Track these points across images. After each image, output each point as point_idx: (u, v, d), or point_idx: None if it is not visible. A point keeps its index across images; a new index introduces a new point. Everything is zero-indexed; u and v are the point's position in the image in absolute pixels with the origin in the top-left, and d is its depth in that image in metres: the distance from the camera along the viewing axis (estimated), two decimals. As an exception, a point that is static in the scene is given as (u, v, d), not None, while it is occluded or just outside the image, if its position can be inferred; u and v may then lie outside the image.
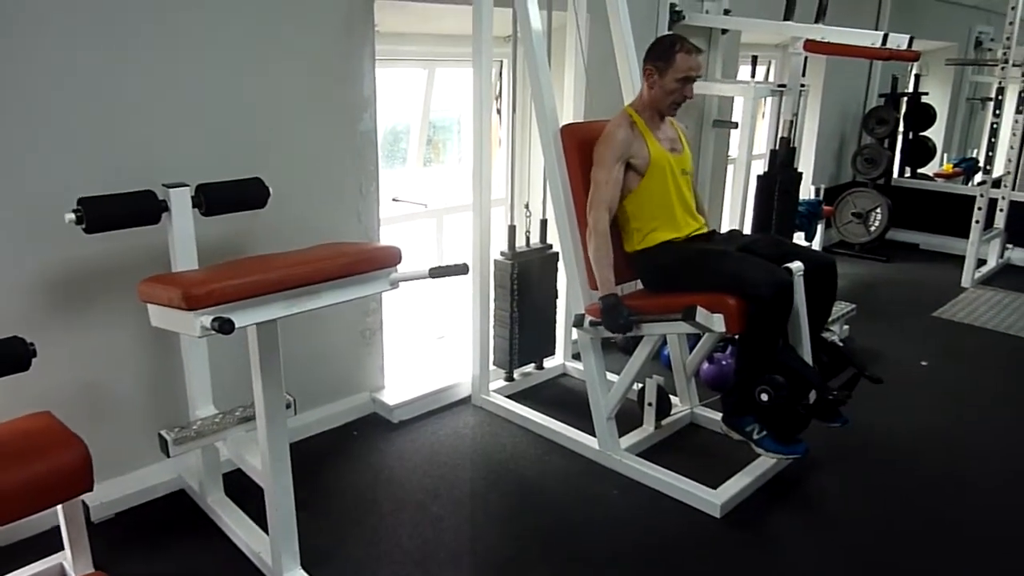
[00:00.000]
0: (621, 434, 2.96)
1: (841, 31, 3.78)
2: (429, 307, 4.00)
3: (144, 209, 2.23)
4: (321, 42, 2.79)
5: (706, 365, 3.54)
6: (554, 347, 3.67)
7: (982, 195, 5.29)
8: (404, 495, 2.70)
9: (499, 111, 3.74)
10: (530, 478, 2.85)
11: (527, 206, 3.49)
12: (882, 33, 3.56)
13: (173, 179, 2.30)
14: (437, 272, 2.15)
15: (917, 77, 6.87)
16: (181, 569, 2.32)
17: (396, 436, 3.12)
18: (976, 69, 7.98)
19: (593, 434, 2.95)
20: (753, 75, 5.06)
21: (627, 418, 3.04)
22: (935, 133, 6.96)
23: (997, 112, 5.33)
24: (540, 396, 3.49)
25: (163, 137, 2.47)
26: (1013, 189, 5.59)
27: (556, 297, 3.56)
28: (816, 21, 4.21)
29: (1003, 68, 5.22)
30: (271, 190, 2.52)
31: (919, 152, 6.85)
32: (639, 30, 3.22)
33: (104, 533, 2.43)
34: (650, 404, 3.06)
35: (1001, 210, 5.64)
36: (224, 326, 1.66)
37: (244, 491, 2.43)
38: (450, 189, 3.97)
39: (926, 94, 6.75)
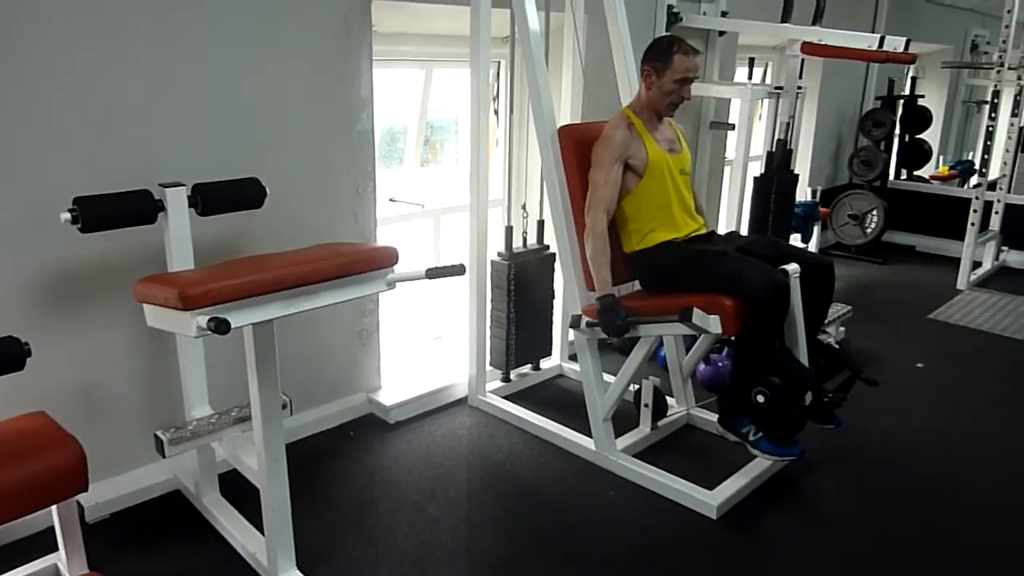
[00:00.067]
0: (617, 435, 2.96)
1: (838, 33, 3.79)
2: (426, 308, 3.99)
3: (140, 209, 2.23)
4: (319, 42, 2.79)
5: (702, 366, 3.54)
6: (551, 348, 3.67)
7: (978, 197, 5.30)
8: (400, 496, 2.70)
9: (497, 112, 3.74)
10: (526, 479, 2.85)
11: (524, 207, 3.49)
12: (879, 36, 3.58)
13: (172, 179, 2.30)
14: (434, 273, 2.15)
15: (913, 80, 6.88)
16: (176, 570, 2.31)
17: (392, 437, 3.11)
18: (972, 72, 8.00)
19: (589, 435, 2.95)
20: (750, 77, 5.07)
21: (623, 419, 3.04)
22: (931, 136, 6.98)
23: (993, 115, 5.35)
24: (536, 397, 3.49)
25: (162, 137, 2.47)
26: (1008, 192, 5.60)
27: (553, 298, 3.56)
28: (813, 23, 4.22)
29: (999, 71, 5.23)
30: (268, 190, 2.51)
31: (915, 154, 6.87)
32: (637, 31, 3.23)
33: (99, 534, 2.42)
34: (646, 405, 3.07)
35: (996, 212, 5.66)
36: (220, 326, 1.65)
37: (240, 491, 2.42)
38: (447, 190, 3.97)
39: (922, 97, 6.76)
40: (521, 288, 3.36)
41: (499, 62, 3.71)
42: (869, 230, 6.02)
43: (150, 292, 1.84)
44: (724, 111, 4.60)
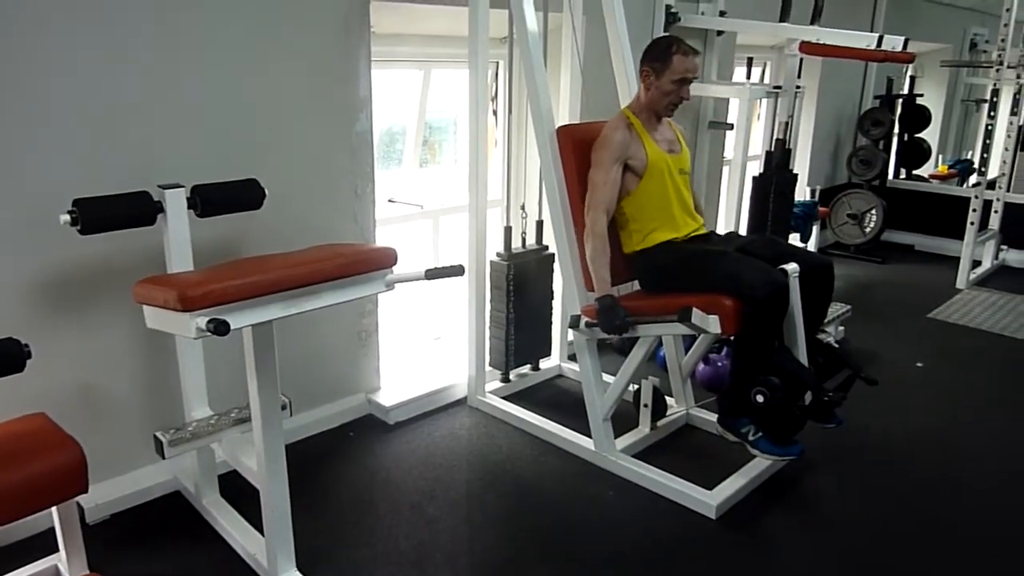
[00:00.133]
0: (617, 435, 2.96)
1: (836, 33, 3.79)
2: (425, 308, 3.99)
3: (139, 210, 2.23)
4: (318, 43, 2.79)
5: (702, 366, 3.54)
6: (550, 348, 3.67)
7: (977, 197, 5.30)
8: (400, 496, 2.70)
9: (495, 112, 3.74)
10: (526, 479, 2.85)
11: (523, 207, 3.49)
12: (877, 35, 3.58)
13: (172, 179, 2.30)
14: (433, 273, 2.15)
15: (912, 79, 6.89)
16: (176, 571, 2.31)
17: (392, 437, 3.11)
18: (971, 71, 8.01)
19: (589, 435, 2.95)
20: (749, 77, 5.07)
21: (623, 419, 3.04)
22: (930, 135, 6.98)
23: (992, 114, 5.35)
24: (536, 397, 3.49)
25: (163, 137, 2.47)
26: (1008, 191, 5.61)
27: (552, 298, 3.56)
28: (812, 23, 4.22)
29: (998, 70, 5.23)
30: (267, 191, 2.51)
31: (914, 154, 6.87)
32: (635, 31, 3.23)
33: (99, 535, 2.42)
34: (646, 405, 3.07)
35: (996, 212, 5.66)
36: (219, 328, 1.65)
37: (240, 492, 2.42)
38: (446, 190, 3.97)
39: (921, 96, 6.77)
40: (520, 288, 3.36)
41: (498, 63, 3.71)
42: (868, 229, 6.03)
43: (149, 293, 1.85)
44: (723, 111, 4.60)
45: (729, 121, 4.55)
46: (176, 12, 2.42)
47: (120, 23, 2.31)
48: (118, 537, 2.44)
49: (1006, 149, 5.42)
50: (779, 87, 4.39)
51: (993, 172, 5.55)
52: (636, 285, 2.93)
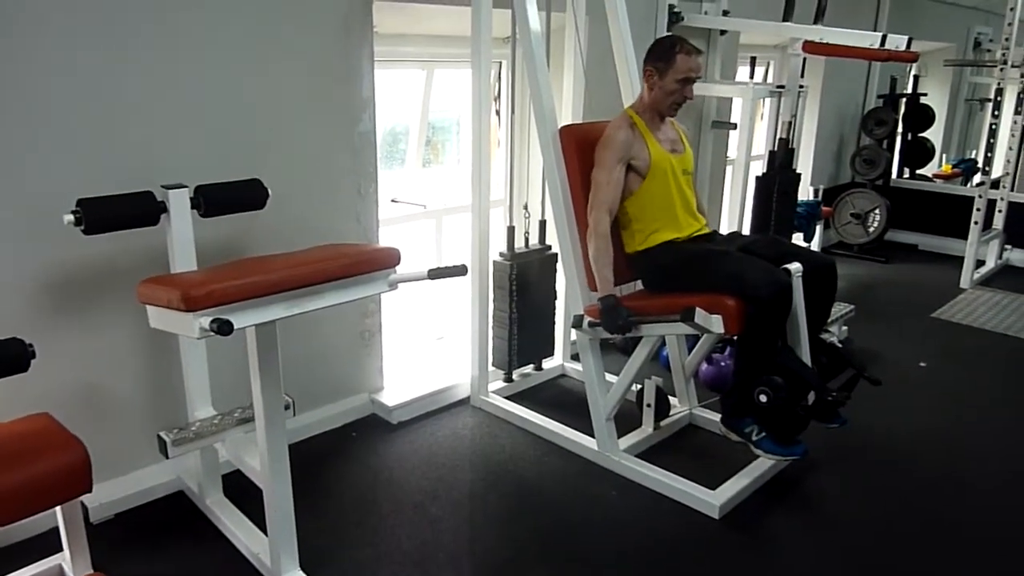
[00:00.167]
0: (620, 435, 2.96)
1: (840, 32, 3.79)
2: (428, 308, 4.00)
3: (143, 210, 2.23)
4: (320, 43, 2.79)
5: (705, 366, 3.54)
6: (553, 348, 3.67)
7: (981, 196, 5.29)
8: (403, 496, 2.70)
9: (498, 112, 3.75)
10: (529, 479, 2.85)
11: (526, 207, 3.49)
12: (881, 34, 3.57)
13: (173, 180, 2.30)
14: (436, 273, 2.15)
15: (916, 78, 6.88)
16: (180, 570, 2.32)
17: (395, 437, 3.12)
18: (975, 70, 7.99)
19: (592, 435, 2.95)
20: (752, 76, 5.07)
21: (626, 419, 3.04)
22: (934, 134, 6.97)
23: (996, 113, 5.34)
24: (539, 397, 3.49)
25: (163, 137, 2.47)
26: (1012, 190, 5.60)
27: (555, 298, 3.56)
28: (815, 22, 4.22)
29: (1002, 69, 5.22)
30: (270, 191, 2.52)
31: (918, 153, 6.86)
32: (638, 31, 3.23)
33: (103, 534, 2.42)
34: (649, 405, 3.07)
35: (1000, 211, 5.65)
36: (223, 327, 1.66)
37: (243, 492, 2.43)
38: (449, 190, 3.97)
39: (925, 95, 6.76)
40: (523, 288, 3.36)
41: (500, 62, 3.71)
42: (872, 229, 6.02)
43: (153, 293, 1.85)
44: (726, 110, 4.60)
45: (732, 121, 4.55)
46: (176, 12, 2.42)
47: (120, 23, 2.31)
48: (122, 537, 2.45)
49: (1010, 148, 5.41)
50: (782, 86, 4.39)
51: (997, 171, 5.53)
52: (639, 285, 2.93)
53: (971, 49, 7.75)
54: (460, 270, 2.19)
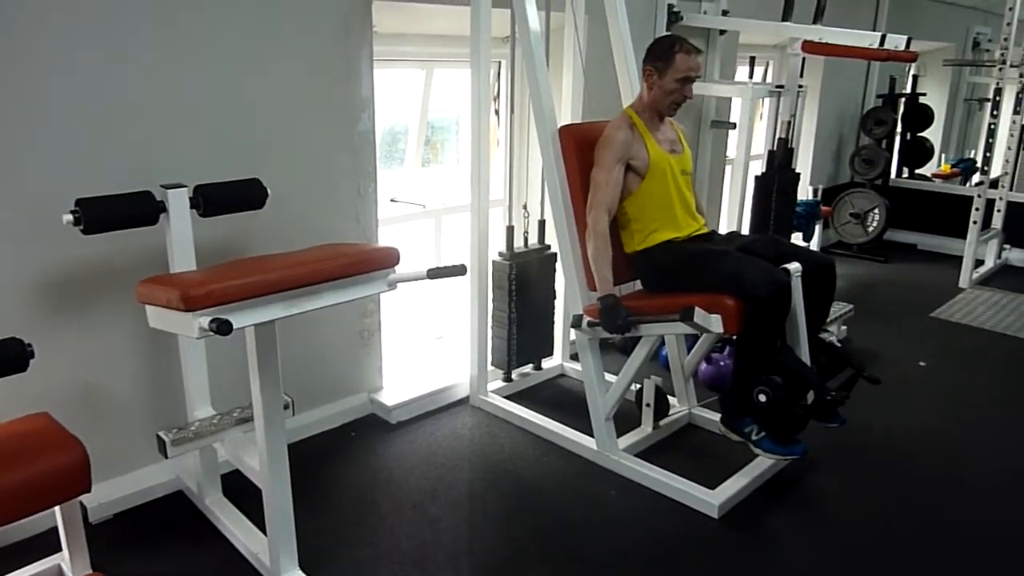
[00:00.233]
0: (619, 434, 2.96)
1: (839, 32, 3.79)
2: (427, 308, 4.00)
3: (142, 210, 2.23)
4: (319, 42, 2.79)
5: (704, 366, 3.54)
6: (552, 348, 3.67)
7: (980, 195, 5.29)
8: (402, 496, 2.70)
9: (497, 112, 3.75)
10: (528, 479, 2.85)
11: (525, 207, 3.49)
12: (880, 34, 3.57)
13: (173, 179, 2.30)
14: (435, 273, 2.15)
15: (915, 78, 6.88)
16: (179, 570, 2.31)
17: (394, 437, 3.12)
18: (974, 70, 7.99)
19: (591, 435, 2.95)
20: (751, 76, 5.07)
21: (625, 419, 3.04)
22: (933, 134, 6.97)
23: (995, 113, 5.34)
24: (538, 397, 3.49)
25: (163, 137, 2.47)
26: (1010, 190, 5.60)
27: (554, 297, 3.56)
28: (814, 22, 4.22)
29: (1000, 69, 5.22)
30: (269, 191, 2.51)
31: (917, 153, 6.86)
32: (637, 31, 3.23)
33: (102, 534, 2.42)
34: (648, 405, 3.07)
35: (999, 210, 5.65)
36: (222, 327, 1.66)
37: (242, 492, 2.43)
38: (448, 190, 3.97)
39: (924, 95, 6.76)
40: (522, 288, 3.36)
41: (500, 62, 3.71)
42: (871, 228, 6.02)
43: (152, 293, 1.85)
44: (725, 110, 4.60)
45: (731, 120, 4.55)
46: (176, 12, 2.42)
47: (120, 23, 2.31)
48: (121, 537, 2.44)
49: (1009, 148, 5.41)
50: (781, 86, 4.39)
51: (996, 171, 5.54)
52: (638, 285, 2.93)
53: (970, 49, 7.75)
54: (459, 270, 2.19)
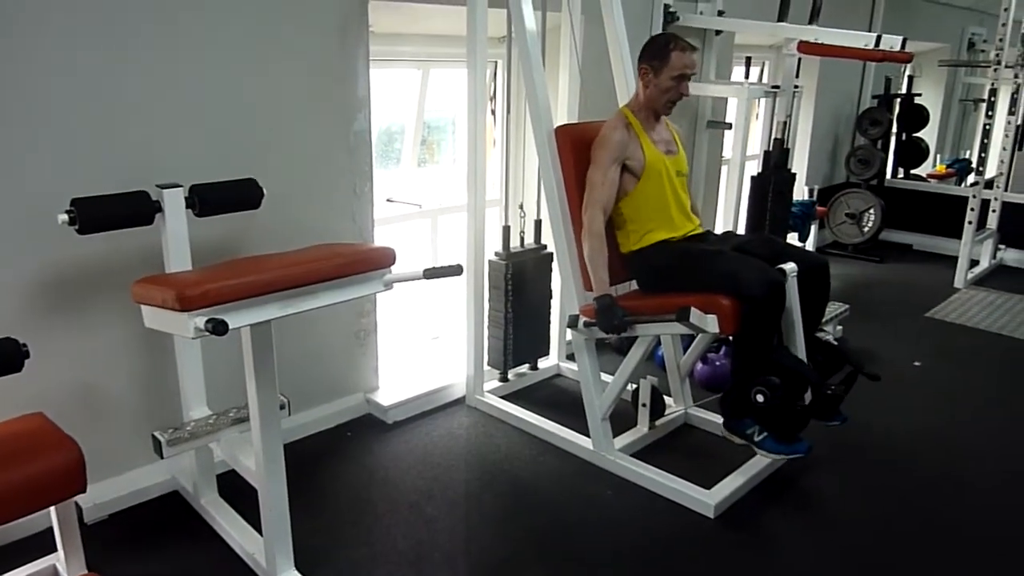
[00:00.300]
0: (615, 434, 2.96)
1: (835, 32, 3.79)
2: (423, 308, 3.99)
3: (137, 210, 2.23)
4: (317, 43, 2.79)
5: (700, 366, 3.54)
6: (548, 348, 3.67)
7: (975, 196, 5.31)
8: (398, 496, 2.70)
9: (494, 112, 3.74)
10: (524, 479, 2.85)
11: (521, 207, 3.49)
12: (875, 34, 3.58)
13: (171, 179, 2.30)
14: (431, 273, 2.15)
15: (910, 78, 6.89)
16: (175, 570, 2.31)
17: (390, 437, 3.11)
18: (969, 70, 8.01)
19: (587, 435, 2.95)
20: (747, 76, 5.08)
21: (621, 418, 3.04)
22: (928, 134, 6.99)
23: (990, 113, 5.35)
24: (534, 397, 3.49)
25: (162, 137, 2.47)
26: (1005, 190, 5.61)
27: (550, 297, 3.56)
28: (810, 22, 4.22)
29: (996, 69, 5.23)
30: (265, 191, 2.51)
31: (912, 153, 6.87)
32: (633, 31, 3.23)
33: (98, 534, 2.42)
34: (644, 405, 3.07)
35: (993, 211, 5.67)
36: (218, 327, 1.65)
37: (238, 492, 2.42)
38: (445, 190, 3.97)
39: (919, 95, 6.77)
40: (519, 288, 3.36)
41: (496, 62, 3.71)
42: (866, 229, 6.03)
43: (148, 293, 1.84)
44: (721, 110, 4.60)
45: (727, 120, 4.56)
46: (176, 12, 2.42)
47: (120, 23, 2.31)
48: (116, 537, 2.44)
49: (1004, 148, 5.43)
50: (777, 86, 4.39)
51: (991, 171, 5.55)
52: (634, 285, 2.93)
53: (965, 50, 7.77)
54: (456, 270, 2.19)
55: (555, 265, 3.19)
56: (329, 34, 2.81)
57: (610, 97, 3.22)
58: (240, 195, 2.48)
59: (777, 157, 4.47)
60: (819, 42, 3.82)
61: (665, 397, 3.20)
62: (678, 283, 2.66)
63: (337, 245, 2.33)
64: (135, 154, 2.41)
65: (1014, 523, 2.65)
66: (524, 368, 3.63)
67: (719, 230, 3.40)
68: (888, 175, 6.57)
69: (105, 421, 2.53)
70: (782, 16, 4.27)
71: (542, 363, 3.70)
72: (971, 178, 6.63)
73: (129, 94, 2.37)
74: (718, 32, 4.36)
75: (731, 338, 2.64)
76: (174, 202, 2.27)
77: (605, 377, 2.96)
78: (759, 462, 2.80)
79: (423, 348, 3.88)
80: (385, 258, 2.07)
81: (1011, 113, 5.36)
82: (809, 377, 2.55)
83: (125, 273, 2.24)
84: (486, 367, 3.43)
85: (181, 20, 2.43)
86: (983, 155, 5.34)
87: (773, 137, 4.48)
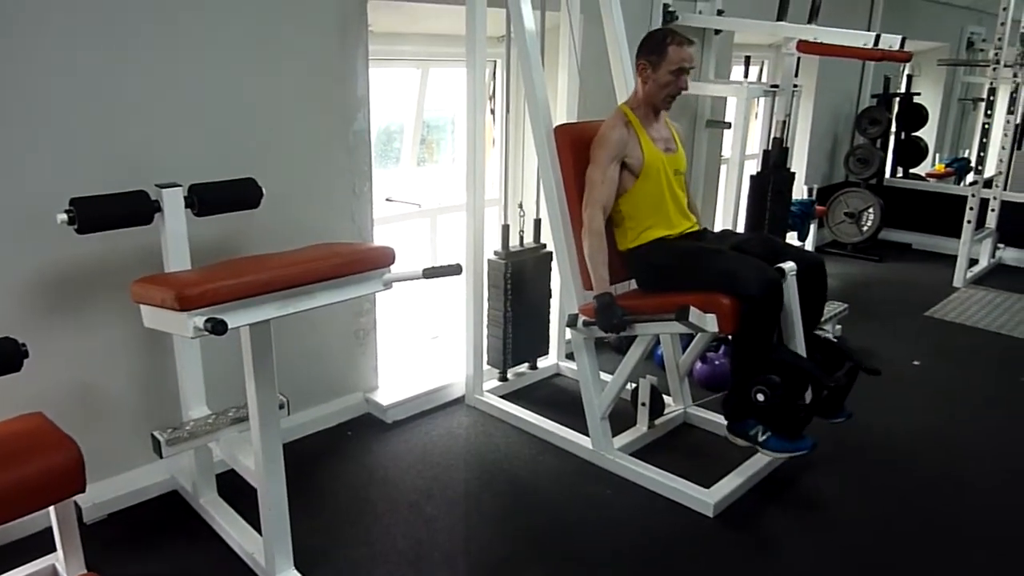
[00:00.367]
0: (614, 434, 2.96)
1: (834, 32, 3.80)
2: (423, 307, 3.99)
3: (137, 209, 2.23)
4: (317, 42, 2.79)
5: (699, 365, 3.54)
6: (548, 347, 3.67)
7: (974, 195, 5.31)
8: (398, 495, 2.70)
9: (493, 111, 3.74)
10: (524, 478, 2.85)
11: (521, 206, 3.49)
12: (874, 34, 3.59)
13: (171, 179, 2.30)
14: (431, 272, 2.15)
15: (909, 77, 6.89)
16: (174, 570, 2.31)
17: (390, 436, 3.11)
18: (968, 70, 8.02)
19: (587, 434, 2.95)
20: (746, 75, 5.08)
21: (620, 418, 3.04)
22: (927, 133, 6.99)
23: (988, 112, 5.36)
24: (534, 396, 3.49)
25: (162, 137, 2.47)
26: (1004, 189, 5.62)
27: (550, 297, 3.56)
28: (809, 22, 4.22)
29: (994, 69, 5.24)
30: (264, 190, 2.51)
31: (911, 152, 6.88)
32: (632, 30, 3.23)
33: (97, 534, 2.42)
34: (643, 404, 3.07)
35: (992, 210, 5.67)
36: (217, 327, 1.65)
37: (237, 491, 2.42)
38: (444, 189, 3.97)
39: (918, 94, 6.77)
40: (518, 287, 3.36)
41: (495, 61, 3.71)
42: (865, 228, 6.03)
43: (147, 293, 1.84)
44: (720, 110, 4.61)
45: (727, 120, 4.56)
46: (176, 12, 2.42)
47: (120, 23, 2.31)
48: (116, 536, 2.44)
49: (1003, 148, 5.44)
50: (776, 86, 4.40)
51: (990, 170, 5.56)
52: (633, 284, 2.93)
53: (964, 49, 7.78)
54: (455, 269, 2.19)
55: (554, 264, 3.19)
56: (329, 34, 2.81)
57: (609, 96, 3.22)
58: (239, 195, 2.48)
59: (776, 156, 4.48)
60: (818, 41, 3.83)
61: (664, 396, 3.20)
62: (677, 282, 2.66)
63: (336, 245, 2.33)
64: (134, 154, 2.41)
65: (1014, 523, 2.65)
66: (523, 367, 3.63)
67: (718, 229, 3.40)
68: (887, 174, 6.57)
69: (104, 421, 2.53)
70: (781, 15, 4.27)
71: (541, 362, 3.70)
72: (970, 177, 6.64)
73: (129, 94, 2.37)
74: (717, 31, 4.36)
75: (730, 337, 2.64)
76: (173, 202, 2.27)
77: (604, 376, 2.96)
78: (758, 461, 2.80)
79: (422, 347, 3.88)
80: (384, 257, 2.07)
81: (1010, 112, 5.37)
82: (811, 372, 2.55)
83: (124, 273, 2.24)
84: (485, 366, 3.43)
85: (181, 20, 2.43)
86: (982, 154, 5.34)
87: (772, 136, 4.49)
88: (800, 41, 3.89)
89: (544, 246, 3.48)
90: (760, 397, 2.49)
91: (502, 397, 3.38)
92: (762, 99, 5.03)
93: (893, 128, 6.50)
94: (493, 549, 2.44)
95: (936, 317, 4.76)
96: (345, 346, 3.18)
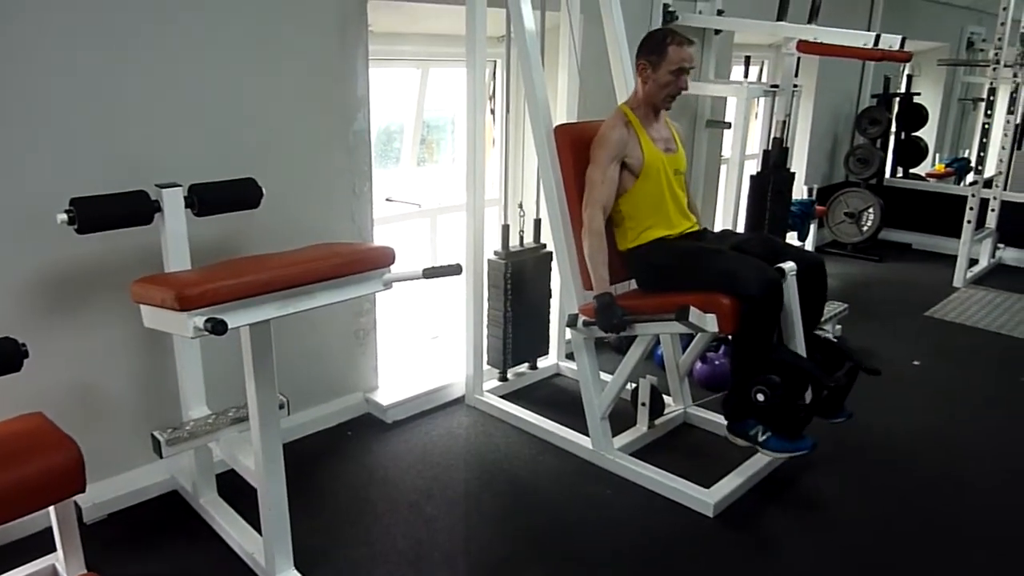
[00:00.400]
0: (614, 434, 2.96)
1: (834, 32, 3.80)
2: (423, 307, 3.99)
3: (136, 209, 2.23)
4: (317, 42, 2.79)
5: (699, 365, 3.54)
6: (548, 347, 3.67)
7: (974, 195, 5.31)
8: (398, 495, 2.70)
9: (493, 111, 3.74)
10: (524, 478, 2.85)
11: (521, 206, 3.49)
12: (874, 34, 3.59)
13: (171, 179, 2.30)
14: (431, 272, 2.15)
15: (909, 78, 6.90)
16: (174, 570, 2.31)
17: (390, 436, 3.11)
18: (968, 70, 8.02)
19: (586, 434, 2.95)
20: (746, 75, 5.08)
21: (620, 418, 3.04)
22: (927, 133, 6.99)
23: (988, 112, 5.36)
24: (534, 396, 3.49)
25: (162, 137, 2.47)
26: (1004, 189, 5.62)
27: (550, 297, 3.56)
28: (809, 22, 4.22)
29: (995, 69, 5.24)
30: (264, 190, 2.51)
31: (911, 152, 6.88)
32: (632, 30, 3.23)
33: (97, 534, 2.42)
34: (643, 404, 3.07)
35: (992, 210, 5.67)
36: (217, 327, 1.65)
37: (237, 491, 2.42)
38: (444, 189, 3.97)
39: (918, 94, 6.77)
40: (518, 287, 3.36)
41: (495, 61, 3.71)
42: (865, 228, 6.03)
43: (147, 293, 1.84)
44: (720, 110, 4.61)
45: (727, 120, 4.56)
46: (176, 12, 2.42)
47: (120, 23, 2.31)
48: (116, 536, 2.44)
49: (1003, 147, 5.44)
50: (776, 86, 4.40)
51: (990, 170, 5.55)
52: (633, 284, 2.93)
53: (964, 49, 7.78)
54: (455, 269, 2.19)
55: (554, 264, 3.19)
56: (328, 34, 2.81)
57: (609, 96, 3.22)
58: (239, 195, 2.48)
59: (776, 156, 4.48)
60: (818, 41, 3.83)
61: (664, 396, 3.20)
62: (677, 282, 2.66)
63: (336, 244, 2.33)
64: (134, 154, 2.41)
65: (1014, 523, 2.65)
66: (523, 367, 3.63)
67: (718, 229, 3.40)
68: (887, 174, 6.57)
69: (104, 421, 2.53)
70: (781, 15, 4.27)
71: (541, 362, 3.70)
72: (970, 177, 6.64)
73: (129, 94, 2.37)
74: (717, 31, 4.36)
75: (730, 337, 2.64)
76: (173, 202, 2.27)
77: (604, 376, 2.96)
78: (758, 461, 2.80)
79: (423, 347, 3.88)
80: (384, 257, 2.07)
81: (1010, 112, 5.37)
82: (811, 372, 2.55)
83: (124, 273, 2.24)
84: (485, 366, 3.43)
85: (181, 20, 2.43)
86: (982, 154, 5.34)
87: (772, 136, 4.49)
88: (800, 41, 3.89)
89: (544, 246, 3.48)
90: (760, 397, 2.49)
91: (502, 397, 3.38)
92: (762, 99, 5.03)
93: (893, 128, 6.50)
94: (493, 549, 2.44)
95: (936, 317, 4.76)
96: (345, 346, 3.18)
